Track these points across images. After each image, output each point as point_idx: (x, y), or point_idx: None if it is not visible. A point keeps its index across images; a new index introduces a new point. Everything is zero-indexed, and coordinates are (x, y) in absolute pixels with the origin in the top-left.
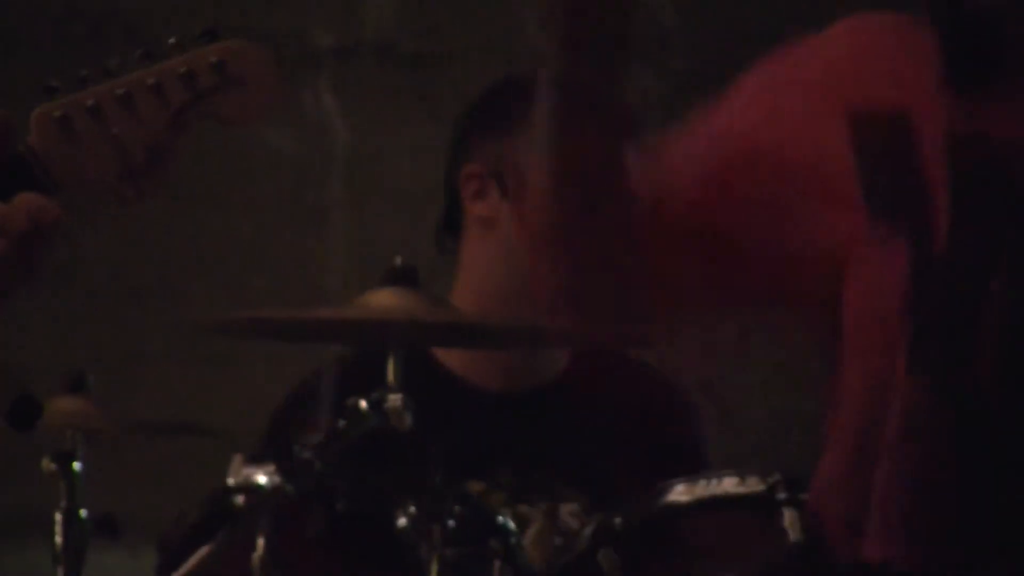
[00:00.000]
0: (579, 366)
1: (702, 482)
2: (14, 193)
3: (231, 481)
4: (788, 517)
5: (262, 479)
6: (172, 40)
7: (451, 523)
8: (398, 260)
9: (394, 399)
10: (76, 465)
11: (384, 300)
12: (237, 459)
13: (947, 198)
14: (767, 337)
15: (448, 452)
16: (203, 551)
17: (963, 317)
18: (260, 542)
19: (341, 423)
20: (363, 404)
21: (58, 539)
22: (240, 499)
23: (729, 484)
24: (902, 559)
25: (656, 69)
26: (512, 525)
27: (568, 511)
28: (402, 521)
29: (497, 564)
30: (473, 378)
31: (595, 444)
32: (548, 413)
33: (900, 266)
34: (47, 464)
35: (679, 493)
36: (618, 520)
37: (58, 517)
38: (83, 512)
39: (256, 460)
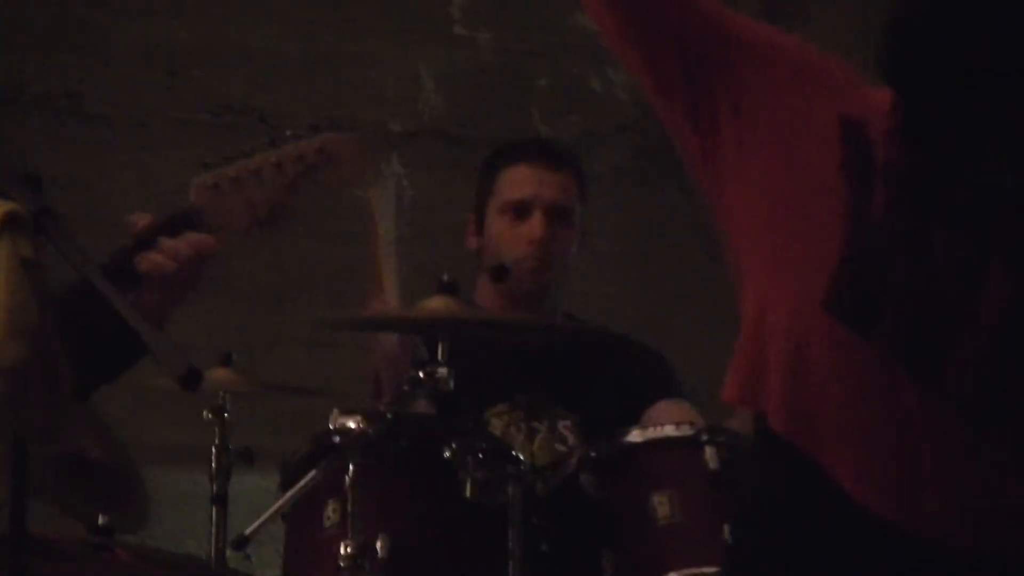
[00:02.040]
0: (577, 335)
1: (651, 427)
2: (183, 233)
3: (331, 426)
4: (708, 453)
5: (351, 424)
6: (289, 132)
7: (480, 455)
8: (445, 276)
9: (442, 371)
10: (226, 415)
11: (436, 304)
12: (335, 411)
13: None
14: (703, 283)
15: (485, 383)
16: (311, 474)
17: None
18: (351, 467)
19: (406, 387)
20: (421, 373)
21: (213, 465)
22: (337, 438)
23: (668, 429)
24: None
25: (618, 144)
26: (523, 456)
27: (563, 426)
28: (447, 453)
29: (512, 484)
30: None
31: (583, 379)
32: (553, 358)
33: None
34: (206, 414)
35: (635, 435)
36: (594, 453)
37: (213, 450)
38: (230, 447)
39: (349, 412)
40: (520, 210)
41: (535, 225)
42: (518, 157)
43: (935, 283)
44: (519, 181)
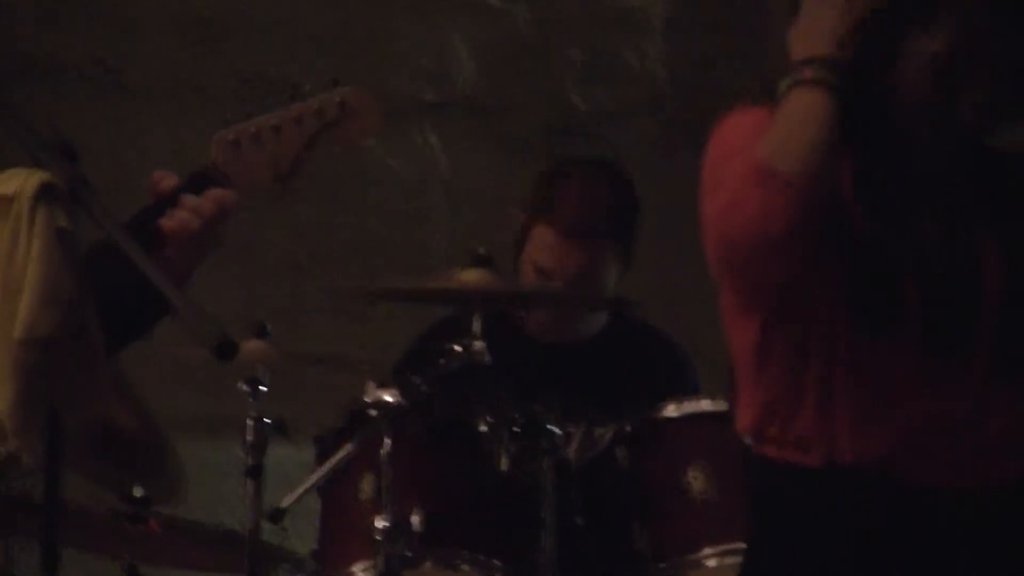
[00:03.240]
0: (610, 329)
1: (686, 402)
2: (204, 190)
3: (366, 398)
4: None
5: (387, 397)
6: (308, 87)
7: (515, 429)
8: (480, 248)
9: (478, 344)
10: (261, 387)
11: (470, 276)
12: (370, 383)
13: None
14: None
15: (520, 384)
16: (347, 447)
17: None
18: (386, 440)
19: (442, 360)
20: (457, 347)
21: (248, 437)
22: (372, 411)
23: (704, 404)
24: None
25: (651, 118)
26: (558, 431)
27: (600, 431)
28: (481, 427)
29: (545, 457)
30: (539, 333)
31: (618, 383)
32: (588, 360)
33: None
34: (241, 386)
35: (671, 409)
36: (629, 427)
37: (248, 422)
38: (265, 418)
39: (383, 385)
40: (544, 274)
41: None
42: (555, 218)
43: (940, 270)
44: (548, 246)
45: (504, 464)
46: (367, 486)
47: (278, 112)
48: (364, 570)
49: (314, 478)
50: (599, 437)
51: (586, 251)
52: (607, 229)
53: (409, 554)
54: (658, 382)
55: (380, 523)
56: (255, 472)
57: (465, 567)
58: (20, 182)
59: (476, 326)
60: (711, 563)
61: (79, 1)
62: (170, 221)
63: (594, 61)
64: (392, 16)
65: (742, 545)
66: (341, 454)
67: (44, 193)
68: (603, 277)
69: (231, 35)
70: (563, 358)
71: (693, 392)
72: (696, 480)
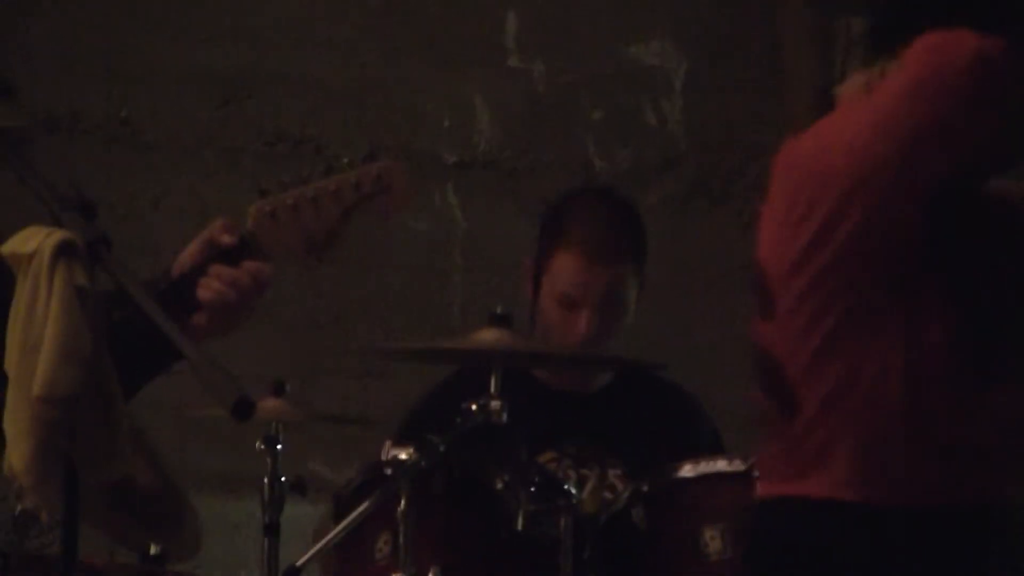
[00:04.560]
0: (621, 378)
1: (703, 462)
2: (240, 262)
3: (382, 457)
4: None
5: (403, 456)
6: (346, 160)
7: (532, 488)
8: (498, 308)
9: (495, 403)
10: (278, 445)
11: (488, 336)
12: (387, 443)
13: None
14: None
15: (534, 431)
16: (363, 506)
17: None
18: (403, 499)
19: (459, 419)
20: (473, 406)
21: (265, 495)
22: (388, 470)
23: (721, 464)
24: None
25: (671, 177)
26: (574, 490)
27: (613, 474)
28: (498, 485)
29: (563, 517)
30: (553, 383)
31: (631, 429)
32: (601, 407)
33: None
34: (258, 444)
35: (687, 469)
36: (645, 487)
37: (265, 481)
38: (282, 477)
39: (400, 443)
40: (569, 302)
41: (582, 322)
42: (575, 243)
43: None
44: (570, 272)
45: (521, 523)
46: (384, 544)
47: (316, 184)
48: None
49: (330, 537)
50: (615, 488)
51: (611, 273)
52: (628, 249)
53: None
54: (674, 431)
55: None
56: (271, 530)
57: None
58: (39, 240)
59: (493, 385)
60: None
61: (99, 57)
62: (207, 291)
63: (614, 121)
64: (414, 77)
65: None
66: (358, 513)
67: (63, 251)
68: (627, 300)
69: (253, 93)
70: (576, 406)
71: (713, 440)
72: (713, 540)
